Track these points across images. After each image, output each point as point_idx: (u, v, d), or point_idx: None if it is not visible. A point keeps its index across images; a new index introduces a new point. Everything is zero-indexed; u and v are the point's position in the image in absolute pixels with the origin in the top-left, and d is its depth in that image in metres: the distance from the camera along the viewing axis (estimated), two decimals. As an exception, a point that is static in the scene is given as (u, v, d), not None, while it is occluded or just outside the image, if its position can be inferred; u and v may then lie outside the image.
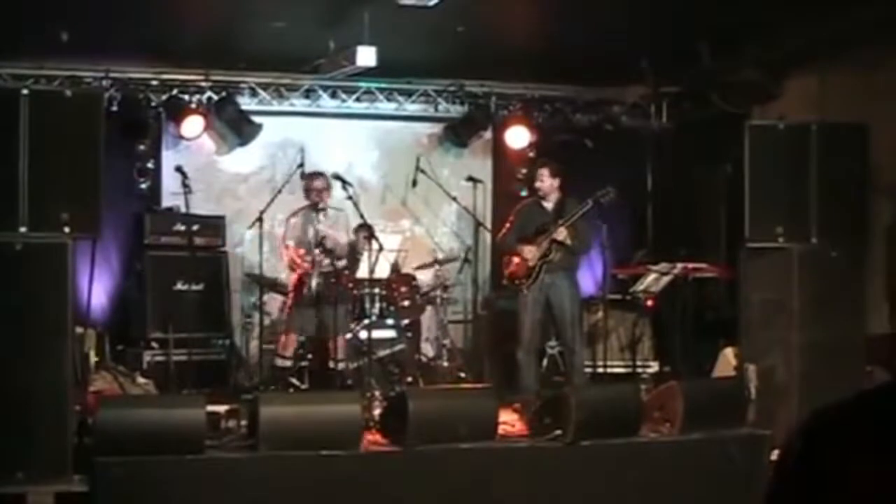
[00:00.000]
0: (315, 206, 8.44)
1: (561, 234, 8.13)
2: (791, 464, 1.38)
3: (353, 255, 8.79)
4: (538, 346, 8.55)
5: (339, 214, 8.57)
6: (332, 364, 8.30)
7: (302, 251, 8.31)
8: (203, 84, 9.85)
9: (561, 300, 8.19)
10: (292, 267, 8.51)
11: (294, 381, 8.29)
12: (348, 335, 8.44)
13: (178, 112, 9.70)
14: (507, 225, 8.59)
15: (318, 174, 8.69)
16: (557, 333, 8.58)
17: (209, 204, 9.98)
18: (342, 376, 8.28)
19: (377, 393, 7.61)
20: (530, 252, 8.19)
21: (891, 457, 1.29)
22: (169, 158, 9.76)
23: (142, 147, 9.70)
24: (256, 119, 10.08)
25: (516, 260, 8.30)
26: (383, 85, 10.29)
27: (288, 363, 8.41)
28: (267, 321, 9.07)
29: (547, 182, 8.38)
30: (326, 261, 8.32)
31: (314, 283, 8.18)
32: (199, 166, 9.82)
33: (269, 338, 8.97)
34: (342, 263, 8.50)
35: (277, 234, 8.99)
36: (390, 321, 8.79)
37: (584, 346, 8.52)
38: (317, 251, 8.23)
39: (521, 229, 8.42)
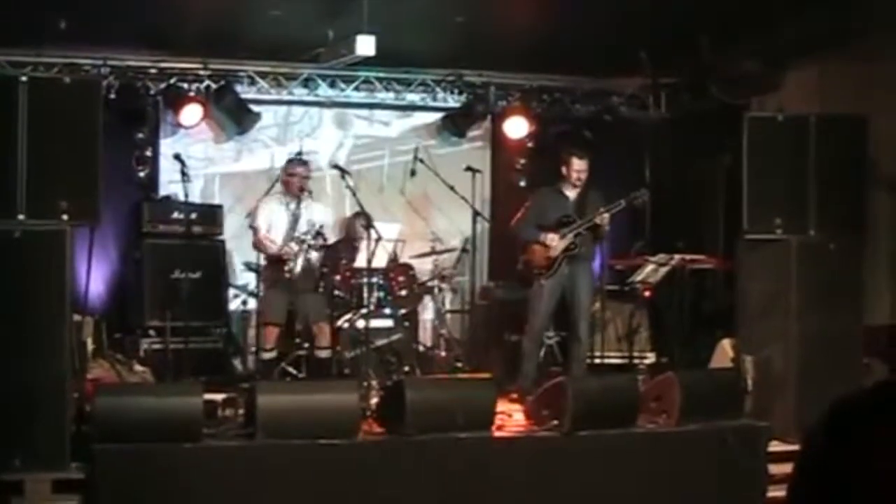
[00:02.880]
0: (297, 195, 8.37)
1: (604, 219, 8.04)
2: (813, 459, 1.37)
3: (350, 241, 8.73)
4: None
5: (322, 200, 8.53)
6: (316, 353, 8.23)
7: (269, 236, 8.24)
8: (202, 72, 9.81)
9: (578, 289, 8.11)
10: (258, 249, 8.41)
11: (290, 369, 8.29)
12: (345, 324, 8.44)
13: (176, 100, 9.67)
14: (523, 210, 8.43)
15: (300, 161, 8.61)
16: (569, 322, 8.41)
17: (207, 192, 9.99)
18: (339, 365, 8.27)
19: (374, 382, 7.60)
20: (554, 241, 8.10)
21: None
22: (167, 147, 9.75)
23: (140, 135, 9.67)
24: (255, 108, 10.06)
25: (537, 248, 8.20)
26: (382, 74, 10.27)
27: (272, 354, 8.31)
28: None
29: (585, 171, 8.20)
30: (316, 249, 8.23)
31: (298, 267, 8.09)
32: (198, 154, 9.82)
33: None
34: (333, 241, 8.45)
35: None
36: (388, 310, 8.79)
37: (588, 337, 8.47)
38: (311, 240, 8.14)
39: (539, 216, 8.28)
